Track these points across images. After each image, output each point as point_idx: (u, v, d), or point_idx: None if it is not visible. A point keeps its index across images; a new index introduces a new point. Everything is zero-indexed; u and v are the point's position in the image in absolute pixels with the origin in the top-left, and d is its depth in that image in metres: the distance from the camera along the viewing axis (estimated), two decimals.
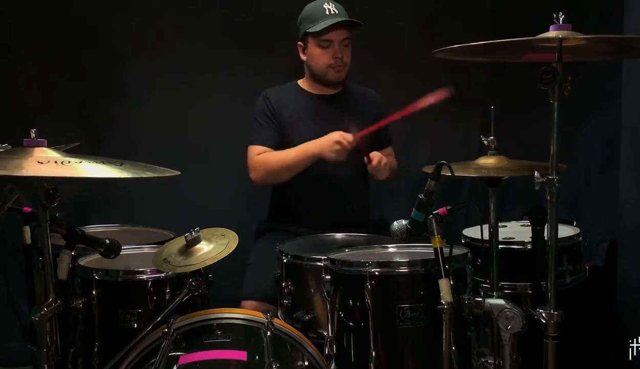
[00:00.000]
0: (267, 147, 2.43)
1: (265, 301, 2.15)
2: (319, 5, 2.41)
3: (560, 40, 1.45)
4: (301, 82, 2.56)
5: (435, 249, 1.57)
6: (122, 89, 2.99)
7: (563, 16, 1.46)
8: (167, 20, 2.99)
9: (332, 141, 2.24)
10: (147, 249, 2.13)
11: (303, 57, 2.49)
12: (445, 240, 1.59)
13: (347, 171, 2.45)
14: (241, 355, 1.62)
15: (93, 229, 2.44)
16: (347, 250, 1.93)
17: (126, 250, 1.95)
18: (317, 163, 2.39)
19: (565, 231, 2.16)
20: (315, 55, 2.42)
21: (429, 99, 2.13)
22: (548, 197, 1.49)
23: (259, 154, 2.43)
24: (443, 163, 1.63)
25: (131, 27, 2.96)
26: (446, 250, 1.59)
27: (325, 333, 1.82)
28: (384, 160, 2.33)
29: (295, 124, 2.45)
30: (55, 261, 1.60)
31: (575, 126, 2.92)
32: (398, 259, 1.81)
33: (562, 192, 1.49)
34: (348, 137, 2.23)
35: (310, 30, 2.38)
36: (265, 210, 2.64)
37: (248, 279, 2.31)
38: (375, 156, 2.31)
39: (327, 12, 2.37)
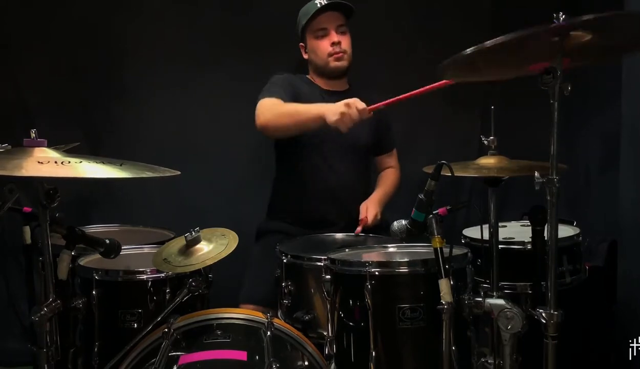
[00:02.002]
0: (281, 99, 2.31)
1: (265, 304, 2.15)
2: (311, 2, 2.45)
3: (562, 39, 1.45)
4: (309, 77, 2.57)
5: (435, 249, 1.57)
6: (122, 89, 2.99)
7: (563, 16, 1.46)
8: (167, 20, 2.99)
9: (341, 103, 2.08)
10: (147, 249, 2.13)
11: (305, 56, 2.50)
12: (445, 240, 1.59)
13: (347, 171, 2.46)
14: (241, 355, 1.62)
15: (93, 229, 2.44)
16: (347, 250, 1.93)
17: (126, 250, 1.95)
18: (318, 163, 2.40)
19: (565, 231, 2.16)
20: (315, 47, 2.44)
21: (432, 86, 2.09)
22: (548, 197, 1.49)
23: (274, 102, 2.31)
24: (443, 163, 1.63)
25: (131, 28, 2.96)
26: (446, 250, 1.60)
27: (325, 333, 1.82)
28: (378, 216, 2.37)
29: None
30: (55, 261, 1.60)
31: (575, 126, 2.92)
32: (398, 259, 1.81)
33: (562, 192, 1.48)
34: (359, 104, 2.08)
35: (305, 22, 2.41)
36: (265, 210, 2.64)
37: (247, 282, 2.31)
38: (368, 216, 2.35)
39: (319, 4, 2.41)
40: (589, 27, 1.45)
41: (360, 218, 2.34)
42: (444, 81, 1.91)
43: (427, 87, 2.06)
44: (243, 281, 2.33)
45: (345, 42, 2.44)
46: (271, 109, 2.27)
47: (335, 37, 2.41)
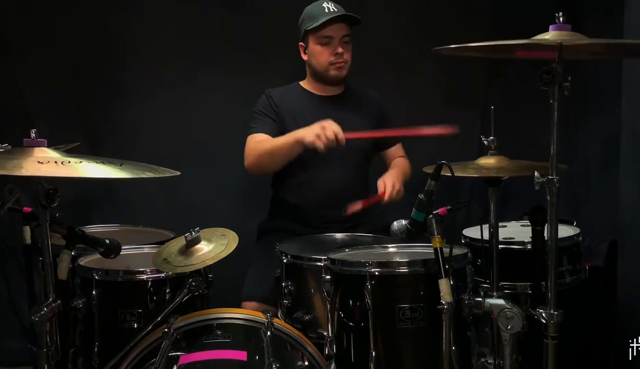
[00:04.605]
0: (267, 134, 2.40)
1: (266, 302, 2.15)
2: (318, 4, 2.44)
3: (560, 42, 1.46)
4: (303, 84, 2.57)
5: (435, 249, 1.57)
6: (122, 89, 2.99)
7: (563, 16, 1.46)
8: (167, 20, 2.99)
9: (317, 125, 2.18)
10: (147, 249, 2.13)
11: (304, 57, 2.50)
12: (445, 240, 1.59)
13: (348, 170, 2.46)
14: (241, 355, 1.63)
15: (93, 229, 2.44)
16: (347, 250, 1.93)
17: (126, 250, 1.95)
18: (317, 163, 2.40)
19: (565, 231, 2.15)
20: (316, 53, 2.43)
21: (433, 130, 2.12)
22: (548, 197, 1.49)
23: (257, 141, 2.41)
24: (443, 163, 1.63)
25: (131, 27, 2.96)
26: (446, 250, 1.59)
27: (325, 333, 1.82)
28: (397, 186, 2.25)
29: (298, 124, 2.45)
30: (55, 261, 1.60)
31: (575, 126, 2.92)
32: (398, 259, 1.82)
33: (562, 192, 1.49)
34: (334, 126, 2.16)
35: (310, 27, 2.39)
36: (265, 210, 2.64)
37: (249, 280, 2.32)
38: (385, 187, 2.23)
39: (327, 10, 2.40)
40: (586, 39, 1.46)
41: (378, 192, 2.23)
42: (443, 130, 1.97)
43: (421, 132, 2.13)
44: (244, 280, 2.33)
45: (348, 53, 2.44)
46: (252, 152, 2.39)
47: (339, 48, 2.40)
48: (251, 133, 2.44)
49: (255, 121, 2.47)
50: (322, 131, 2.15)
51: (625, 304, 2.35)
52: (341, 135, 2.16)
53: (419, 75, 3.03)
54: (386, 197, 2.22)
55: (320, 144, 2.15)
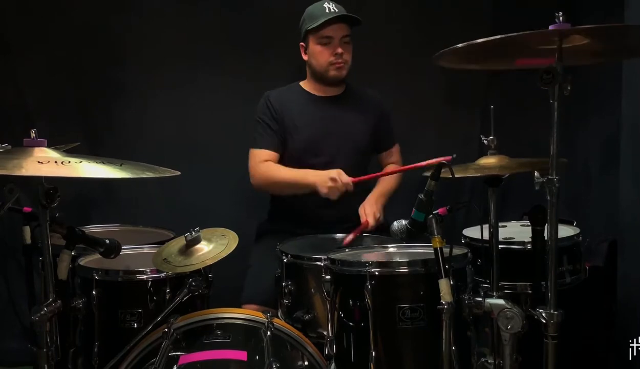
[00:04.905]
0: (271, 151, 2.43)
1: (266, 304, 2.15)
2: (319, 5, 2.45)
3: (561, 38, 1.46)
4: (303, 84, 2.57)
5: (435, 249, 1.56)
6: (122, 89, 2.99)
7: (563, 16, 1.46)
8: (167, 20, 2.99)
9: (328, 177, 2.25)
10: (147, 249, 2.13)
11: (305, 57, 2.50)
12: (445, 240, 1.59)
13: (347, 171, 2.45)
14: (241, 355, 1.63)
15: (93, 229, 2.44)
16: (347, 250, 1.93)
17: (126, 250, 1.95)
18: (317, 163, 2.40)
19: (565, 231, 2.16)
20: (316, 53, 2.43)
21: (431, 161, 2.10)
22: (548, 197, 1.49)
23: (263, 160, 2.43)
24: (443, 163, 1.63)
25: (131, 27, 2.96)
26: (446, 250, 1.59)
27: (325, 333, 1.82)
28: (377, 214, 2.33)
29: (298, 125, 2.45)
30: (55, 261, 1.60)
31: (575, 126, 2.92)
32: (398, 259, 1.81)
33: (562, 192, 1.49)
34: (344, 177, 2.23)
35: (310, 27, 2.40)
36: (265, 210, 2.64)
37: (249, 282, 2.31)
38: (368, 219, 2.31)
39: (327, 11, 2.40)
40: (586, 33, 1.46)
41: (362, 222, 2.31)
42: (439, 159, 1.81)
43: (417, 164, 2.10)
44: (244, 282, 2.32)
45: (348, 53, 2.44)
46: (263, 175, 2.42)
47: (339, 48, 2.40)
48: (254, 147, 2.46)
49: (257, 131, 2.47)
50: (333, 184, 2.23)
51: (625, 304, 2.35)
52: (350, 185, 2.24)
53: (419, 75, 3.03)
54: (370, 225, 2.29)
55: (332, 196, 2.26)
